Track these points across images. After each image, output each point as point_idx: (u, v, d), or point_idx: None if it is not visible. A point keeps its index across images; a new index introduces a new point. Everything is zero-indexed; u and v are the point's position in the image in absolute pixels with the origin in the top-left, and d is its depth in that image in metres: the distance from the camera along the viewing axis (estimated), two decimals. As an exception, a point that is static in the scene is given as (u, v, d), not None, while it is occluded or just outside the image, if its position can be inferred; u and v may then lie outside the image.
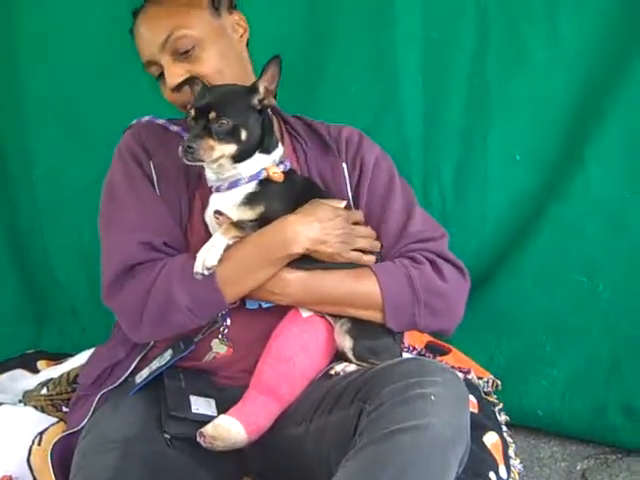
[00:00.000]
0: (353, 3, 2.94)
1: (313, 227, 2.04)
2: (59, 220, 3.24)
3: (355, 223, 2.19)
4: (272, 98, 2.10)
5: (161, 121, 2.34)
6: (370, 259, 2.16)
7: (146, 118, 2.36)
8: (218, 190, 2.10)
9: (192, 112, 2.01)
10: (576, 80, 2.82)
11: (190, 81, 2.13)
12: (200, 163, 2.02)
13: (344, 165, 2.31)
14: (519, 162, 2.93)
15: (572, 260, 2.93)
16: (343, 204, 2.19)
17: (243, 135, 2.03)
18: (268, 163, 2.10)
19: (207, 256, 1.99)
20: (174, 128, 2.30)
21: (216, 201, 2.10)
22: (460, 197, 3.04)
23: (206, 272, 1.98)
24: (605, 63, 2.77)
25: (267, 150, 2.11)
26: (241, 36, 2.31)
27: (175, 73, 2.17)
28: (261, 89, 2.07)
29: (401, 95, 3.00)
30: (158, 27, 2.18)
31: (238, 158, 2.04)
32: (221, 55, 2.22)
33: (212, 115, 1.98)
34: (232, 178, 2.07)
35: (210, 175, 2.11)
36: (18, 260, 3.35)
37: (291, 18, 3.01)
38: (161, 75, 2.22)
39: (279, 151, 2.14)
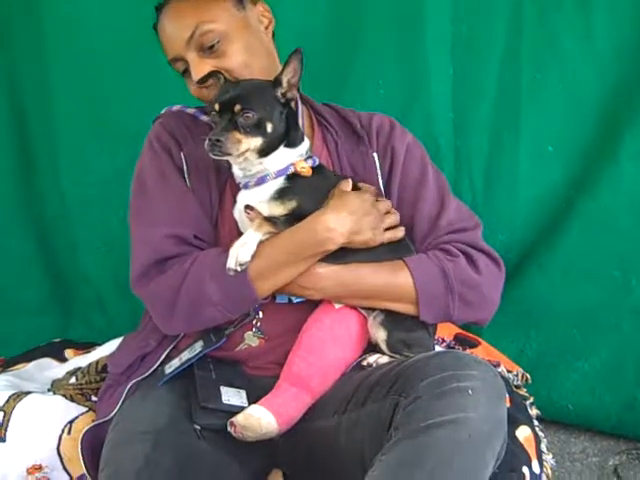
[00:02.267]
0: None
1: (346, 221, 2.02)
2: (85, 210, 3.26)
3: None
4: (295, 91, 2.09)
5: (191, 110, 2.33)
6: (402, 232, 2.16)
7: (176, 107, 2.35)
8: (246, 187, 2.09)
9: (216, 106, 2.00)
10: (609, 74, 2.82)
11: (213, 75, 2.11)
12: (227, 157, 2.01)
13: (375, 155, 2.29)
14: (550, 155, 2.93)
15: (604, 255, 2.92)
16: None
17: (269, 128, 2.02)
18: (295, 158, 2.10)
19: (240, 252, 1.99)
20: (204, 118, 2.29)
21: (245, 197, 2.09)
22: (490, 190, 3.04)
23: (239, 268, 1.98)
24: (638, 56, 2.75)
25: (293, 144, 2.10)
26: (266, 27, 2.28)
27: (201, 69, 2.14)
28: (284, 82, 2.06)
29: (431, 87, 3.00)
30: (183, 23, 2.15)
31: (264, 152, 2.03)
32: (247, 48, 2.18)
33: (237, 108, 1.98)
34: (259, 174, 2.07)
35: (237, 171, 2.10)
36: (44, 250, 3.36)
37: (318, 9, 3.00)
38: (186, 71, 2.20)
39: (305, 145, 2.13)
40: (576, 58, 2.83)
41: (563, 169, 2.93)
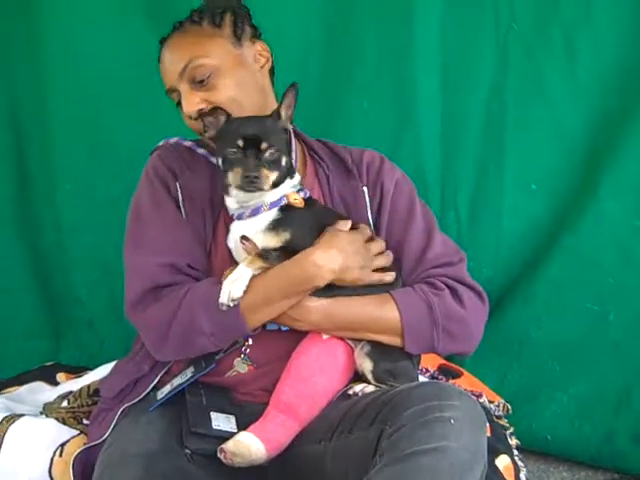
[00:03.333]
0: (372, 28, 3.00)
1: (335, 258, 2.06)
2: (81, 235, 3.28)
3: (368, 240, 2.20)
4: (289, 124, 2.16)
5: (188, 143, 2.36)
6: (391, 277, 2.18)
7: (174, 139, 2.38)
8: (240, 218, 2.13)
9: (240, 142, 2.03)
10: (592, 112, 2.87)
11: (214, 112, 2.15)
12: (259, 192, 2.05)
13: (365, 189, 2.33)
14: (534, 191, 2.97)
15: (584, 289, 2.95)
16: (349, 224, 2.19)
17: (283, 162, 2.09)
18: (288, 190, 2.13)
19: (232, 288, 2.02)
20: (201, 151, 2.33)
21: (239, 228, 2.13)
22: (475, 223, 3.08)
23: (231, 304, 2.02)
24: (621, 94, 2.82)
25: (292, 175, 2.15)
26: (262, 67, 2.32)
27: (191, 101, 2.18)
28: (283, 115, 2.12)
29: (419, 120, 3.04)
30: (178, 55, 2.21)
31: (275, 185, 2.08)
32: (238, 84, 2.22)
33: (264, 145, 2.02)
34: (254, 205, 2.10)
35: (232, 204, 2.14)
36: (38, 274, 3.37)
37: (310, 43, 3.06)
38: (180, 102, 2.24)
39: (297, 177, 2.18)
40: (560, 96, 2.89)
41: (546, 204, 2.98)
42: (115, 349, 2.73)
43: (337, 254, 2.07)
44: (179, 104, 2.26)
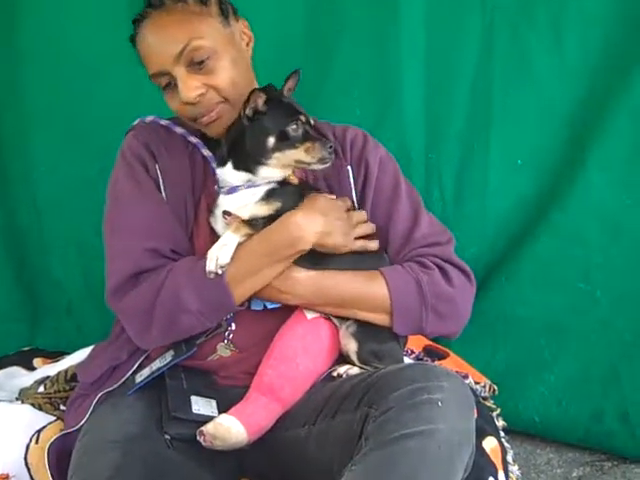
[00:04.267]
0: (357, 9, 2.95)
1: (318, 220, 2.04)
2: (57, 217, 3.24)
3: (347, 211, 2.19)
4: None
5: (165, 122, 2.30)
6: (375, 244, 2.18)
7: (149, 118, 2.31)
8: (233, 191, 2.09)
9: (303, 117, 2.03)
10: (579, 88, 2.84)
11: (254, 93, 2.05)
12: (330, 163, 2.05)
13: (349, 167, 2.29)
14: (520, 167, 2.95)
15: (571, 266, 2.94)
16: (333, 196, 2.19)
17: None
18: None
19: (219, 254, 1.98)
20: (178, 130, 2.27)
21: (226, 202, 2.10)
22: (460, 201, 3.06)
23: (219, 271, 1.98)
24: (607, 72, 2.79)
25: None
26: (247, 44, 2.25)
27: (191, 85, 2.08)
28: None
29: (404, 99, 3.01)
30: (172, 37, 2.08)
31: None
32: (234, 65, 2.14)
33: (312, 121, 2.06)
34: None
35: (237, 180, 2.09)
36: (14, 257, 3.32)
37: (293, 22, 3.00)
38: (168, 85, 2.14)
39: None
40: (547, 74, 2.86)
41: (533, 180, 2.95)
42: (93, 334, 2.68)
43: (319, 217, 2.05)
44: (166, 87, 2.16)
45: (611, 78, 2.78)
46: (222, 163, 2.11)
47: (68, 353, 2.90)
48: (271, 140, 2.03)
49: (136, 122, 2.32)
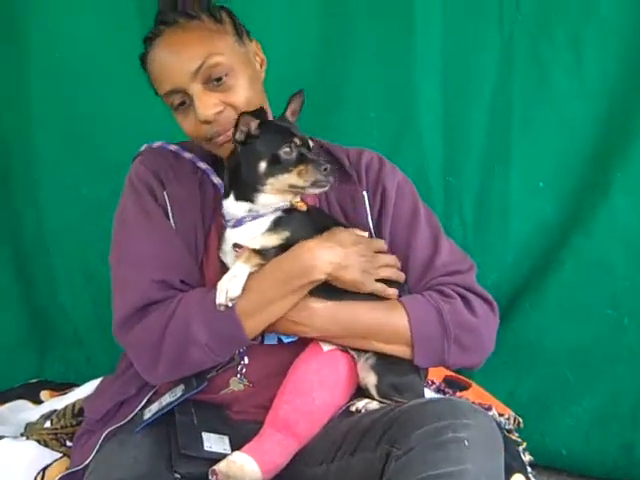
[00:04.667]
0: (372, 27, 2.92)
1: (334, 251, 1.97)
2: (65, 243, 3.20)
3: (377, 252, 2.10)
4: None
5: (173, 147, 2.25)
6: (394, 292, 2.07)
7: (157, 144, 2.27)
8: (239, 224, 2.02)
9: (297, 140, 1.95)
10: (600, 110, 2.80)
11: (245, 117, 1.99)
12: (327, 188, 1.97)
13: (365, 193, 2.22)
14: (542, 190, 2.90)
15: (597, 292, 2.88)
16: (365, 234, 2.12)
17: None
18: None
19: (229, 286, 1.92)
20: (187, 155, 2.21)
21: (234, 235, 2.03)
22: (481, 226, 3.01)
23: (230, 303, 1.92)
24: (628, 92, 2.75)
25: None
26: (260, 66, 2.21)
27: (208, 103, 2.04)
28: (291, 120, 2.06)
29: (420, 121, 2.97)
30: (189, 54, 2.04)
31: None
32: (250, 84, 2.11)
33: (311, 144, 1.98)
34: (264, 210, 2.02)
35: (240, 211, 2.02)
36: (22, 283, 3.28)
37: (306, 44, 2.97)
38: (181, 105, 2.10)
39: None
40: (567, 94, 2.82)
41: (555, 205, 2.91)
42: (103, 365, 2.66)
43: (336, 247, 1.98)
44: (178, 107, 2.10)
45: (633, 98, 2.74)
46: (226, 195, 2.05)
47: (77, 385, 2.86)
48: (262, 165, 1.96)
49: (143, 148, 2.26)
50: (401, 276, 2.12)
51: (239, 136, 1.98)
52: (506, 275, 2.99)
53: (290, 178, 1.93)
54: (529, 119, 2.87)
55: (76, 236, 3.16)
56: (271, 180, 1.95)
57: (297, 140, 1.94)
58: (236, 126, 1.96)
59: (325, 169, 1.91)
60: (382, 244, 2.14)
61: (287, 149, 1.93)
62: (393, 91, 2.95)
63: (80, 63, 3.03)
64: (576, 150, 2.85)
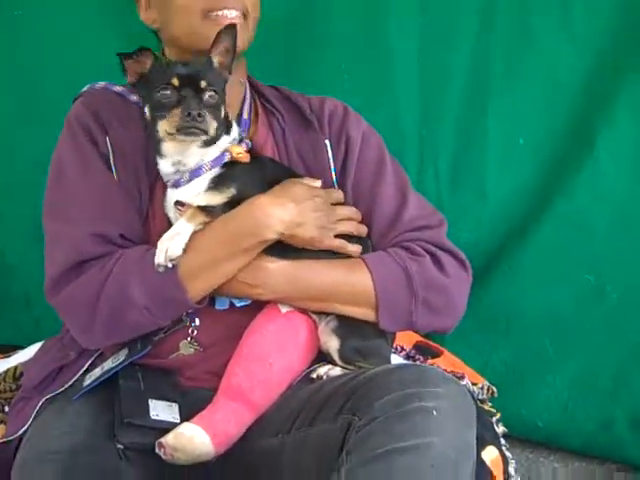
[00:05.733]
0: None
1: (287, 208, 1.90)
2: (11, 199, 3.09)
3: (335, 204, 2.05)
4: (227, 73, 1.97)
5: (119, 88, 2.13)
6: (356, 249, 2.02)
7: (101, 84, 2.16)
8: (178, 184, 1.93)
9: (175, 80, 1.83)
10: (585, 60, 2.72)
11: (141, 51, 1.90)
12: (204, 136, 1.84)
13: (327, 142, 2.16)
14: (522, 148, 2.83)
15: (577, 257, 2.82)
16: (318, 183, 2.06)
17: (222, 111, 1.91)
18: (228, 143, 1.97)
19: (170, 245, 1.83)
20: (133, 98, 2.09)
21: (175, 194, 1.95)
22: (457, 185, 2.93)
23: (169, 264, 1.83)
24: (618, 42, 2.66)
25: (227, 130, 1.97)
26: None
27: None
28: (215, 62, 1.94)
29: (396, 77, 2.88)
30: None
31: (211, 141, 1.89)
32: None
33: (203, 83, 1.84)
34: (193, 167, 1.93)
35: (166, 167, 1.94)
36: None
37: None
38: None
39: (235, 129, 2.01)
40: (550, 43, 2.74)
41: (535, 163, 2.84)
42: (53, 327, 2.50)
43: (290, 203, 1.91)
44: None
45: (622, 48, 2.66)
46: (155, 148, 1.95)
47: (23, 347, 2.73)
48: (146, 109, 1.89)
49: (85, 88, 2.16)
50: (362, 230, 2.07)
51: (129, 78, 1.92)
52: (482, 236, 2.93)
53: (163, 124, 1.84)
54: (511, 70, 2.79)
55: (23, 193, 3.00)
56: (156, 127, 1.86)
57: (175, 81, 1.83)
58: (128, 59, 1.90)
59: (189, 114, 1.79)
60: (340, 195, 2.09)
61: (165, 92, 1.83)
62: (366, 41, 2.87)
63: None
64: (560, 104, 2.78)
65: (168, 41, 2.11)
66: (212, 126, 1.83)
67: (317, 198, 1.97)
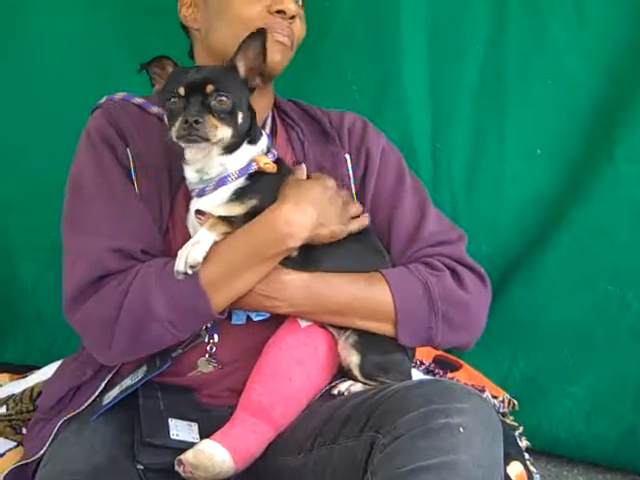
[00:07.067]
0: None
1: (308, 213, 1.87)
2: (24, 216, 3.07)
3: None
4: (257, 79, 1.94)
5: (138, 100, 2.11)
6: (367, 220, 2.05)
7: (120, 95, 2.13)
8: (203, 194, 1.91)
9: (181, 90, 1.81)
10: (603, 66, 2.70)
11: (158, 61, 1.91)
12: (204, 143, 1.81)
13: (347, 156, 2.16)
14: (539, 157, 2.80)
15: (597, 267, 2.80)
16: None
17: (239, 117, 1.86)
18: (256, 154, 1.94)
19: (191, 252, 1.81)
20: (154, 109, 2.08)
21: (198, 204, 1.92)
22: (472, 196, 2.90)
23: (189, 271, 1.80)
24: (634, 44, 2.64)
25: (254, 140, 1.94)
26: None
27: (292, 0, 2.05)
28: (240, 68, 1.91)
29: (406, 83, 2.85)
30: None
31: (229, 148, 1.86)
32: (304, 33, 2.16)
33: (210, 88, 1.81)
34: (218, 176, 1.90)
35: (192, 175, 1.92)
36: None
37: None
38: None
39: (264, 140, 1.98)
40: (566, 48, 2.71)
41: (552, 172, 2.81)
42: (68, 345, 2.52)
43: (310, 207, 1.88)
44: None
45: (638, 51, 2.64)
46: (182, 158, 1.94)
47: (39, 367, 2.75)
48: (165, 116, 1.87)
49: (103, 100, 2.14)
50: (365, 222, 2.06)
51: (156, 86, 1.92)
52: (499, 247, 2.90)
53: (172, 132, 1.81)
54: (525, 77, 2.77)
55: (37, 210, 3.01)
56: (170, 134, 1.83)
57: (181, 90, 1.81)
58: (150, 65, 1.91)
59: (186, 122, 1.76)
60: (347, 194, 2.09)
61: (173, 100, 1.82)
62: (374, 48, 2.84)
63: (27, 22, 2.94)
64: (577, 111, 2.75)
65: (204, 44, 2.11)
66: (216, 132, 1.79)
67: (328, 190, 1.96)
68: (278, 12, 2.02)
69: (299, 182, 1.95)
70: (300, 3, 2.09)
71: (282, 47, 2.02)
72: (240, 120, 1.85)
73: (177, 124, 1.77)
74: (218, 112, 1.80)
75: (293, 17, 2.04)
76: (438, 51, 2.81)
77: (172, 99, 1.81)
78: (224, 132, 1.80)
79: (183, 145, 1.82)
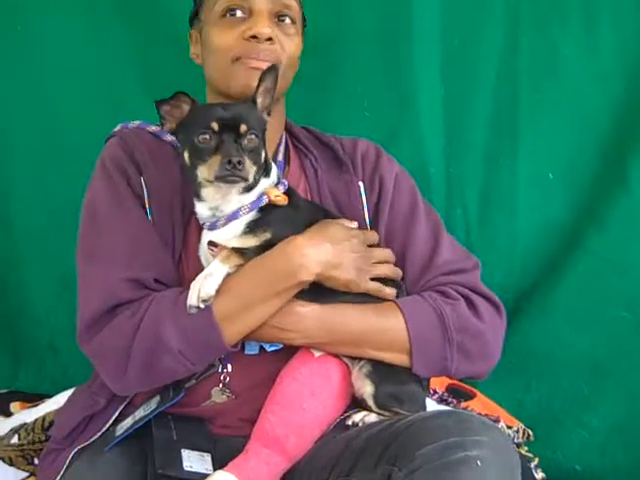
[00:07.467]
0: (365, 7, 2.82)
1: (324, 249, 1.86)
2: (37, 245, 3.06)
3: (371, 246, 2.01)
4: (267, 114, 1.94)
5: (153, 128, 2.12)
6: (392, 292, 1.98)
7: (134, 123, 2.15)
8: (214, 227, 1.90)
9: (214, 125, 1.78)
10: (615, 92, 2.70)
11: (175, 98, 1.87)
12: (243, 184, 1.81)
13: (360, 184, 2.15)
14: (552, 183, 2.79)
15: (612, 294, 2.75)
16: (355, 224, 2.02)
17: (262, 155, 1.86)
18: (268, 185, 1.93)
19: (204, 285, 1.79)
20: (168, 138, 2.08)
21: (209, 235, 1.92)
22: (486, 223, 2.89)
23: (202, 305, 1.78)
24: None
25: (267, 172, 1.92)
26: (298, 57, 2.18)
27: (267, 24, 2.02)
28: (259, 103, 1.91)
29: (419, 108, 2.85)
30: None
31: (250, 187, 1.85)
32: (295, 51, 2.11)
33: (244, 128, 1.80)
34: (230, 211, 1.88)
35: (203, 210, 1.91)
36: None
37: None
38: (232, 13, 2.04)
39: (275, 171, 1.97)
40: (579, 75, 2.72)
41: (567, 199, 2.80)
42: (79, 374, 2.49)
43: (327, 245, 1.87)
44: (226, 15, 2.05)
45: None
46: (196, 195, 1.91)
47: (50, 396, 2.75)
48: (186, 155, 1.85)
49: (118, 127, 2.15)
50: (398, 273, 2.03)
51: (167, 126, 1.89)
52: (513, 276, 2.88)
53: (203, 170, 1.80)
54: (538, 103, 2.76)
55: (50, 238, 3.01)
56: (195, 172, 1.82)
57: (215, 125, 1.78)
58: (162, 104, 1.87)
59: (229, 161, 1.74)
60: (375, 237, 2.06)
61: (204, 136, 1.79)
62: (387, 74, 2.84)
63: (50, 61, 2.95)
64: (590, 137, 2.74)
65: (207, 80, 2.11)
66: (252, 172, 1.79)
67: (354, 239, 1.94)
68: (253, 37, 2.00)
69: (327, 223, 1.94)
70: (287, 21, 2.06)
71: (257, 72, 1.94)
72: (262, 157, 1.86)
73: (214, 164, 1.75)
74: (248, 151, 1.79)
75: (270, 39, 2.01)
76: (451, 77, 2.81)
77: (201, 135, 1.79)
78: (254, 171, 1.80)
79: (221, 185, 1.80)
